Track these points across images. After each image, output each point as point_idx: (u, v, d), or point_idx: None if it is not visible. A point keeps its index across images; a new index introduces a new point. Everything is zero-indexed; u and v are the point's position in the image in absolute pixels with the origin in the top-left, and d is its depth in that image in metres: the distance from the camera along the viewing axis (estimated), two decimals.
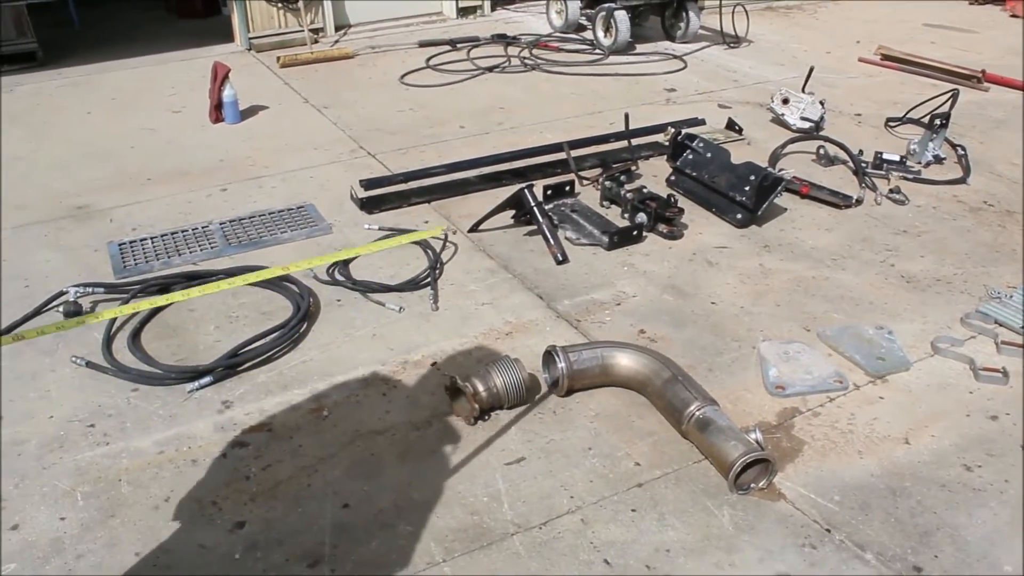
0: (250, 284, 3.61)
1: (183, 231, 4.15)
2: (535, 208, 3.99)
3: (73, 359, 3.17)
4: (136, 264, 3.85)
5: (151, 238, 4.07)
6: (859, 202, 4.58)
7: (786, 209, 4.50)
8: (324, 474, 2.69)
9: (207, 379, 3.03)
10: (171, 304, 3.53)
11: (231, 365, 3.10)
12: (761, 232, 4.29)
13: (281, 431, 2.87)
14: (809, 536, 2.52)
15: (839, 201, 4.57)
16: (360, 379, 3.14)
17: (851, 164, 4.94)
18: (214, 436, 2.84)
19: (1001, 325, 3.54)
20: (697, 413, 2.80)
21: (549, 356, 3.08)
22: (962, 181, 4.88)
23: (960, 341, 3.42)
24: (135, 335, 3.31)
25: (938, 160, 5.08)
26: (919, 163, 5.03)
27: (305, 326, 3.39)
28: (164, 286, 3.59)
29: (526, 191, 4.01)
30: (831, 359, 3.33)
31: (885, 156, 4.98)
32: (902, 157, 5.01)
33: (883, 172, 4.89)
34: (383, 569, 2.35)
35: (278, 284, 3.59)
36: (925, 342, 3.43)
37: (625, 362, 3.05)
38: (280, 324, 3.31)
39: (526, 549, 2.44)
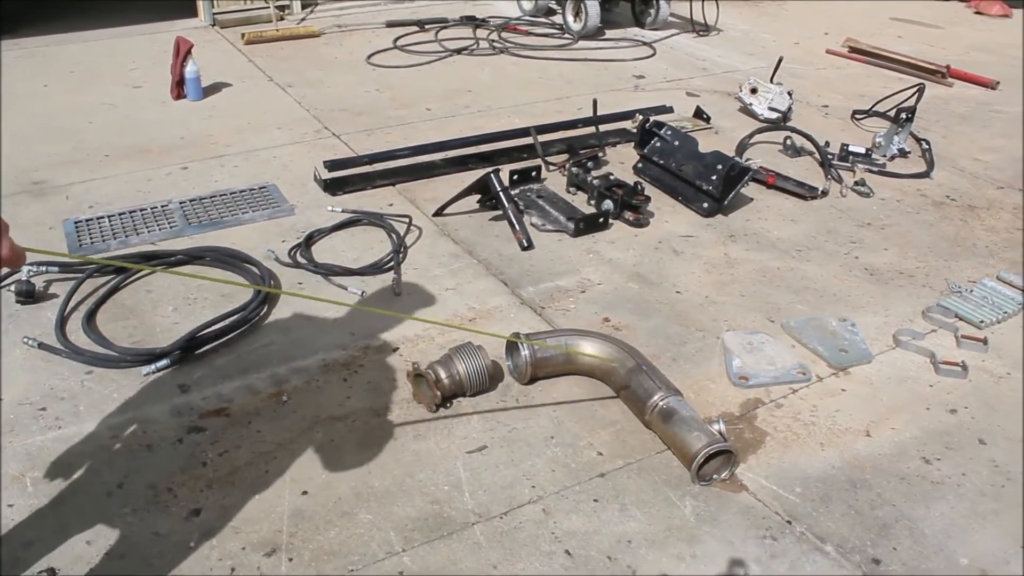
0: (211, 266, 3.54)
1: (142, 210, 4.05)
2: (501, 193, 3.95)
3: (24, 340, 3.09)
4: (92, 243, 3.75)
5: (109, 216, 3.97)
6: (824, 194, 4.60)
7: (752, 199, 4.51)
8: (283, 460, 2.64)
9: (164, 362, 2.96)
10: (130, 284, 3.46)
11: (189, 348, 3.03)
12: (727, 222, 4.30)
13: (239, 416, 2.81)
14: (770, 528, 2.52)
15: (805, 192, 4.58)
16: (321, 364, 3.09)
17: (817, 156, 4.96)
18: (170, 421, 2.78)
19: (961, 319, 3.58)
20: (660, 403, 2.79)
21: (512, 344, 3.05)
22: (926, 175, 4.92)
23: (921, 335, 3.45)
24: (90, 316, 3.23)
25: (903, 154, 5.13)
26: (884, 156, 5.07)
27: (265, 309, 3.33)
28: (121, 266, 3.50)
29: (492, 176, 3.97)
30: (794, 350, 3.34)
31: (851, 148, 5.01)
32: (868, 150, 5.05)
33: (849, 164, 4.92)
34: (341, 558, 2.32)
35: (238, 266, 3.52)
36: (887, 335, 3.45)
37: (589, 350, 3.03)
38: (240, 307, 3.24)
39: (487, 539, 2.42)
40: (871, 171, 4.90)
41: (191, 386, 2.93)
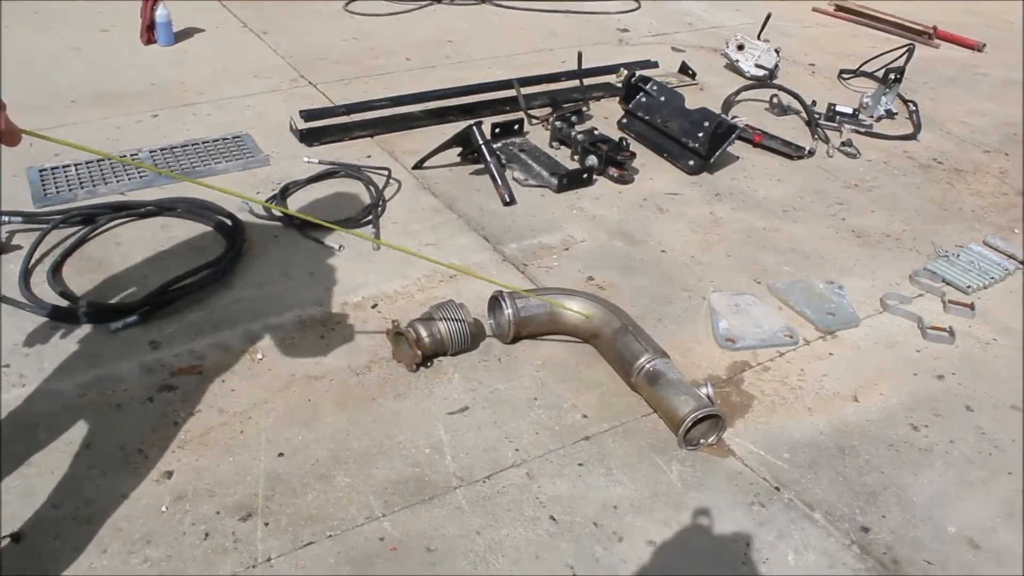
0: (182, 218, 3.41)
1: (110, 158, 3.88)
2: (483, 147, 3.84)
3: None
4: (59, 192, 3.59)
5: (75, 165, 3.81)
6: (811, 153, 4.52)
7: (738, 157, 4.43)
8: (258, 421, 2.55)
9: (133, 317, 2.84)
10: (98, 235, 3.32)
11: (159, 303, 2.91)
12: (712, 180, 4.22)
13: (212, 374, 2.71)
14: (758, 494, 2.48)
15: (791, 152, 4.51)
16: (296, 320, 2.99)
17: (804, 115, 4.87)
18: (140, 378, 2.66)
19: (948, 284, 3.54)
20: (647, 366, 2.73)
21: (495, 301, 2.97)
22: (913, 137, 4.86)
23: (908, 299, 3.41)
24: (56, 269, 3.09)
25: (890, 115, 5.06)
26: (871, 117, 4.99)
27: (239, 263, 3.21)
28: (88, 216, 3.36)
29: (474, 128, 3.85)
30: (781, 313, 3.28)
31: (838, 108, 4.93)
32: (855, 110, 4.97)
33: (835, 124, 4.85)
34: (320, 523, 2.24)
35: (211, 218, 3.39)
36: (874, 298, 3.40)
37: (575, 310, 2.95)
38: (213, 260, 3.12)
39: (469, 504, 2.35)
40: (858, 132, 4.83)
41: (162, 342, 2.82)
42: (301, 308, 3.04)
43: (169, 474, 2.34)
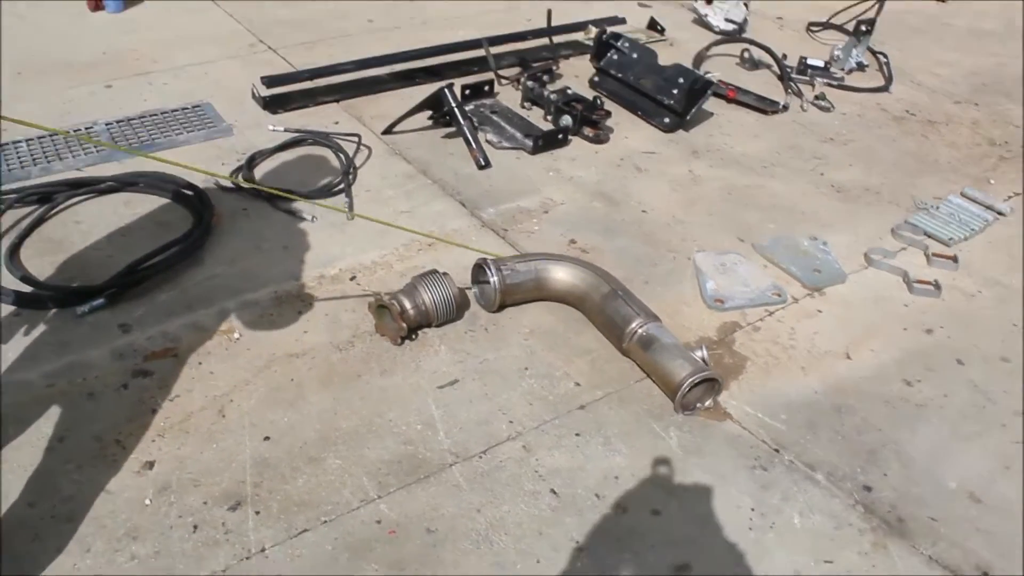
0: (145, 193, 3.25)
1: (66, 135, 3.67)
2: (456, 109, 3.71)
3: None
4: (10, 171, 3.39)
5: (27, 140, 3.60)
6: (785, 108, 4.46)
7: (713, 114, 4.35)
8: (240, 404, 2.43)
9: (100, 300, 2.69)
10: (56, 215, 3.15)
11: (127, 283, 2.76)
12: (689, 137, 4.13)
13: (188, 356, 2.58)
14: (759, 457, 2.43)
15: (765, 107, 4.44)
16: (272, 296, 2.86)
17: (776, 69, 4.80)
18: (112, 365, 2.52)
19: (930, 236, 3.51)
20: (639, 330, 2.66)
21: (479, 269, 2.87)
22: (884, 89, 4.82)
23: (892, 253, 3.38)
24: (12, 251, 2.91)
25: (861, 67, 5.01)
26: (843, 70, 4.94)
27: (209, 238, 3.06)
28: (45, 195, 3.18)
29: (446, 91, 3.72)
30: (768, 271, 3.23)
31: (809, 62, 4.87)
32: (826, 63, 4.92)
33: (807, 78, 4.79)
34: (313, 509, 2.15)
35: (175, 192, 3.23)
36: (858, 253, 3.37)
37: (562, 276, 2.87)
38: (181, 236, 2.97)
39: (467, 480, 2.27)
40: (830, 85, 4.77)
41: (132, 325, 2.67)
42: (276, 283, 2.91)
43: (150, 464, 2.22)
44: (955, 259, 3.35)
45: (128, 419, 2.34)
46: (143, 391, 2.44)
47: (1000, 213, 3.71)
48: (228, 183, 3.35)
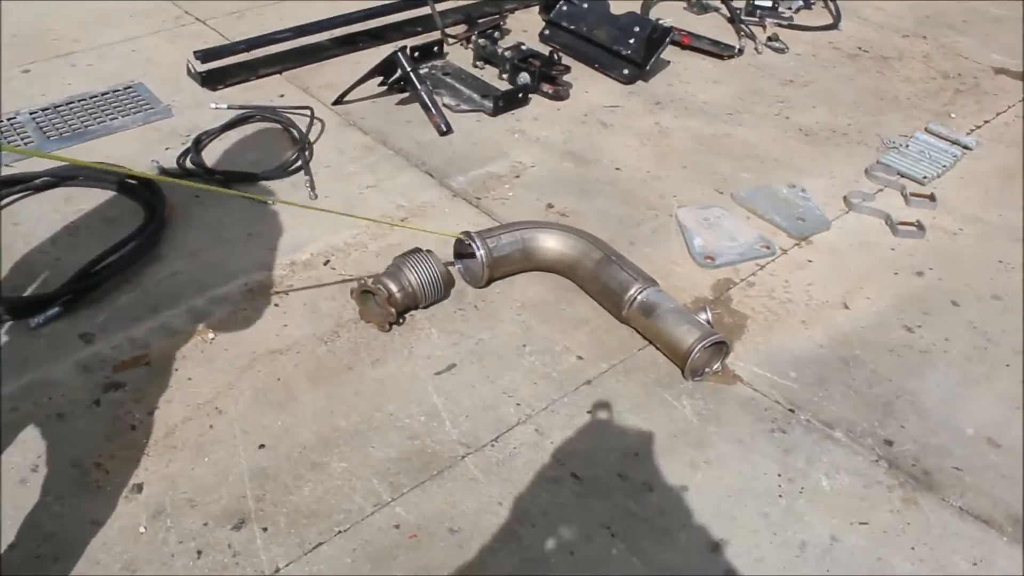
0: (87, 187, 2.98)
1: None
2: (411, 74, 3.50)
3: None
4: None
5: None
6: (740, 52, 4.36)
7: (669, 62, 4.22)
8: (226, 410, 2.24)
9: (55, 310, 2.44)
10: None
11: (82, 288, 2.51)
12: (649, 88, 4.00)
13: (162, 363, 2.36)
14: (776, 419, 2.35)
15: (721, 51, 4.33)
16: (243, 289, 2.64)
17: (725, 11, 4.69)
18: (79, 380, 2.28)
19: (903, 176, 3.46)
20: (639, 296, 2.53)
21: (464, 244, 2.71)
22: (834, 27, 4.76)
23: (871, 195, 3.32)
24: None
25: (807, 5, 4.93)
26: (790, 9, 4.85)
27: (165, 231, 2.81)
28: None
29: (399, 55, 3.50)
30: (751, 223, 3.14)
31: (757, 2, 4.78)
32: (774, 3, 4.82)
33: (757, 19, 4.69)
34: (324, 519, 1.98)
35: (120, 183, 2.96)
36: (837, 198, 3.31)
37: (551, 244, 2.72)
38: (135, 231, 2.71)
39: (483, 472, 2.13)
40: (780, 25, 4.69)
41: (95, 334, 2.43)
42: (246, 274, 2.70)
43: (139, 488, 2.02)
44: (932, 197, 3.32)
45: (106, 439, 2.12)
46: (118, 406, 2.22)
47: (966, 147, 3.69)
48: (175, 168, 3.10)
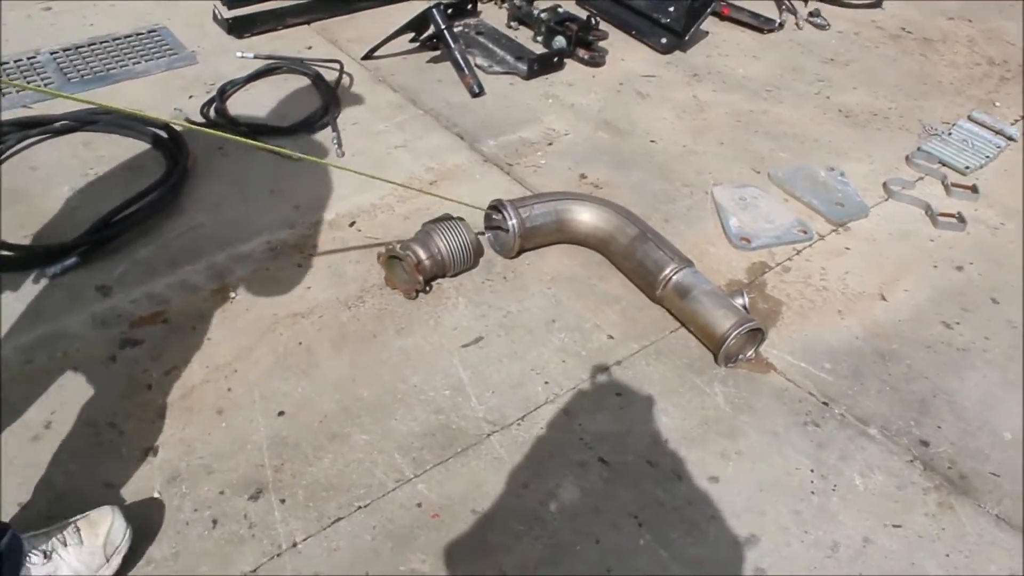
0: (107, 132, 2.88)
1: (3, 64, 3.26)
2: (445, 32, 3.39)
3: None
4: None
5: None
6: (781, 26, 4.23)
7: (708, 32, 4.09)
8: (246, 373, 2.17)
9: (72, 259, 2.36)
10: (6, 160, 2.77)
11: (101, 239, 2.43)
12: (687, 59, 3.88)
13: (181, 321, 2.29)
14: (810, 412, 2.27)
15: (761, 24, 4.20)
16: (267, 247, 2.57)
17: None
18: (95, 334, 2.22)
19: (945, 165, 3.35)
20: (674, 277, 2.45)
21: (495, 211, 2.62)
22: (877, 5, 4.61)
23: (911, 183, 3.21)
24: None
25: None
26: None
27: (186, 182, 2.72)
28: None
29: (435, 11, 3.39)
30: (789, 205, 3.04)
31: None
32: None
33: None
34: (344, 493, 1.92)
35: (143, 131, 2.87)
36: (876, 184, 3.20)
37: (585, 217, 2.63)
38: (156, 181, 2.63)
39: (508, 452, 2.06)
40: (823, 0, 4.54)
41: (113, 287, 2.36)
42: (270, 232, 2.62)
43: (154, 451, 1.96)
44: (975, 189, 3.21)
45: (122, 397, 2.06)
46: (134, 364, 2.15)
47: (1010, 138, 3.57)
48: (198, 116, 3.00)
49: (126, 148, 2.87)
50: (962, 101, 3.83)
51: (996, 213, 3.13)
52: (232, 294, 2.39)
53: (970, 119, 3.66)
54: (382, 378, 2.21)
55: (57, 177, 2.71)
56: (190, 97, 3.16)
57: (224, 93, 3.14)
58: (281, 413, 2.08)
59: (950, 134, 3.53)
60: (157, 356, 2.18)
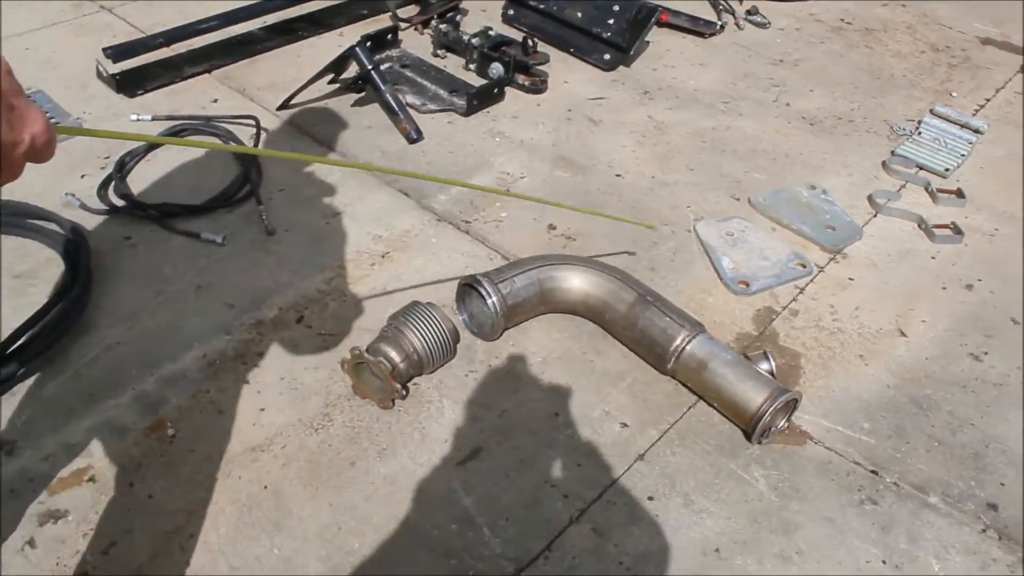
0: None
1: None
2: (373, 73, 2.98)
3: None
4: None
5: None
6: (722, 28, 3.96)
7: (649, 42, 3.78)
8: (205, 538, 1.74)
9: None
10: None
11: None
12: (633, 74, 3.57)
13: (111, 477, 1.83)
14: (862, 487, 1.98)
15: (702, 28, 3.92)
16: (202, 363, 2.13)
17: None
18: (4, 510, 1.75)
19: (923, 168, 3.14)
20: (687, 347, 2.12)
21: (469, 290, 2.25)
22: None
23: (895, 193, 2.98)
24: None
25: None
26: None
27: (92, 290, 2.26)
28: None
29: (358, 49, 2.97)
30: (778, 234, 2.76)
31: None
32: None
33: None
34: None
35: (27, 227, 2.38)
36: (860, 198, 2.96)
37: (574, 284, 2.28)
38: (56, 294, 2.16)
39: None
40: None
41: (17, 442, 1.89)
42: (202, 342, 2.18)
43: None
44: (960, 193, 3.00)
45: None
46: (60, 545, 1.70)
47: (978, 131, 3.38)
48: (96, 202, 2.53)
49: (11, 251, 2.37)
50: (919, 94, 3.64)
51: (987, 218, 2.92)
52: (169, 431, 1.94)
53: (933, 114, 3.46)
54: (372, 520, 1.81)
55: None
56: (82, 176, 2.66)
57: (123, 167, 2.66)
58: None
59: (919, 133, 3.32)
60: (88, 531, 1.73)
